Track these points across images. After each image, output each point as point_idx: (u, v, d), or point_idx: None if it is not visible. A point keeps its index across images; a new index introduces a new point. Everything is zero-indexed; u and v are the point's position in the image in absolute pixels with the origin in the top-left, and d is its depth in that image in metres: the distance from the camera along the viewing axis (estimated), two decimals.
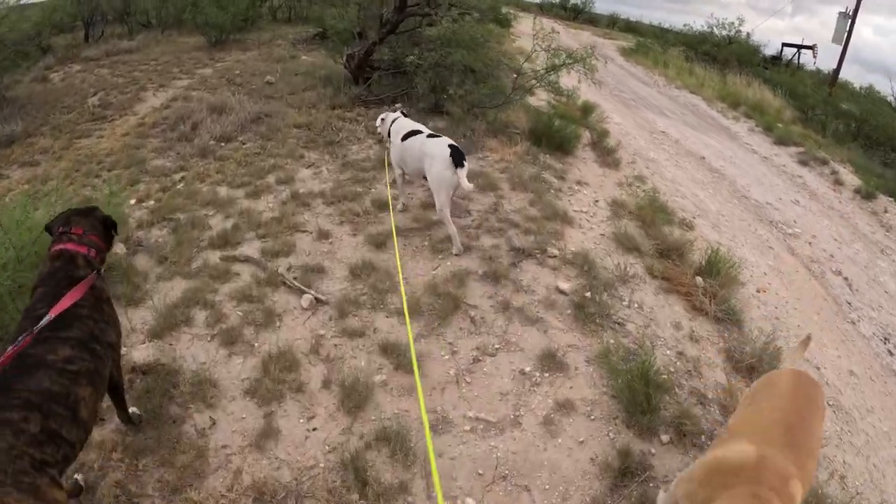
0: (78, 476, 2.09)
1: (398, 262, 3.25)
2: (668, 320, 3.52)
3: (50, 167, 5.68)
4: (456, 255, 3.57)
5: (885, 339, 5.14)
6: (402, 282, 3.04)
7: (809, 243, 6.70)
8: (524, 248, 3.58)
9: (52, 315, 1.64)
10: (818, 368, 4.12)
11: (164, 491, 2.06)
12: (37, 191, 4.86)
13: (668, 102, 12.44)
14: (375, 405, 2.45)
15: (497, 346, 2.85)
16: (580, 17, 26.44)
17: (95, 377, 1.69)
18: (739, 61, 16.56)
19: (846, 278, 6.30)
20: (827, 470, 2.87)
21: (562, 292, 3.31)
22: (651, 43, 18.71)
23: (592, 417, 2.66)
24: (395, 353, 2.68)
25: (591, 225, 4.25)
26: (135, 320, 2.89)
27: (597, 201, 4.73)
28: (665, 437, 2.66)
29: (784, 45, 18.56)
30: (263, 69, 8.70)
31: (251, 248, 3.55)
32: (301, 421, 2.38)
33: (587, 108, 7.38)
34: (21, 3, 11.67)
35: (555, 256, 3.62)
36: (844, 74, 16.82)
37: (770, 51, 18.42)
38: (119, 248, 3.51)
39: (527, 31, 12.61)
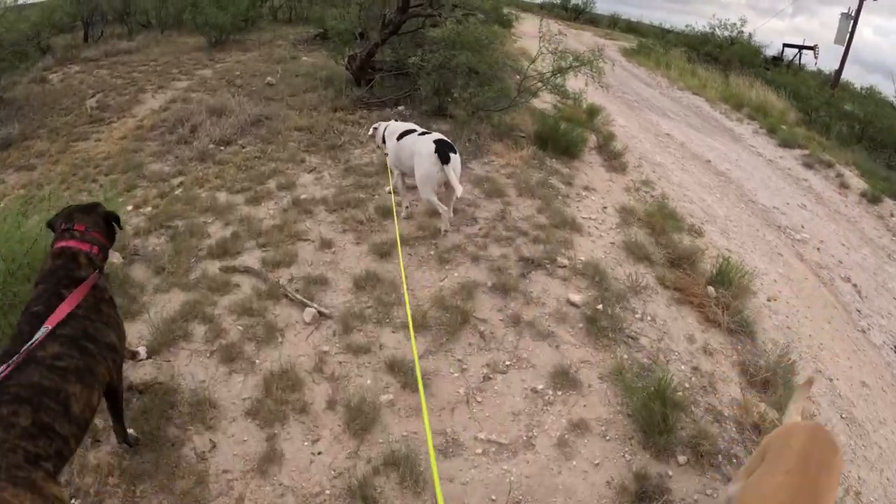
0: (74, 502, 1.99)
1: (403, 274, 3.14)
2: (682, 333, 3.42)
3: (46, 171, 5.57)
4: (445, 232, 3.70)
5: None
6: (406, 295, 2.93)
7: (818, 249, 6.61)
8: (533, 258, 3.48)
9: (48, 327, 1.60)
10: (831, 380, 4.03)
11: None
12: (32, 196, 4.75)
13: (671, 104, 12.34)
14: (383, 427, 2.35)
15: (508, 362, 2.75)
16: (581, 17, 26.33)
17: (86, 374, 1.65)
18: (742, 62, 16.47)
19: (855, 285, 6.22)
20: (842, 486, 2.78)
21: (573, 304, 3.21)
22: (653, 44, 18.61)
23: (608, 438, 2.56)
24: (402, 371, 2.58)
25: (601, 233, 4.14)
26: (131, 335, 2.78)
27: (605, 207, 4.63)
28: (682, 459, 2.56)
29: (785, 45, 18.49)
30: (264, 70, 8.59)
31: (251, 258, 3.44)
32: (305, 444, 2.27)
33: (592, 111, 7.28)
34: (19, 3, 11.56)
35: (565, 266, 3.52)
36: (845, 75, 16.79)
37: (771, 51, 18.35)
38: (115, 258, 3.40)
39: (528, 31, 12.57)
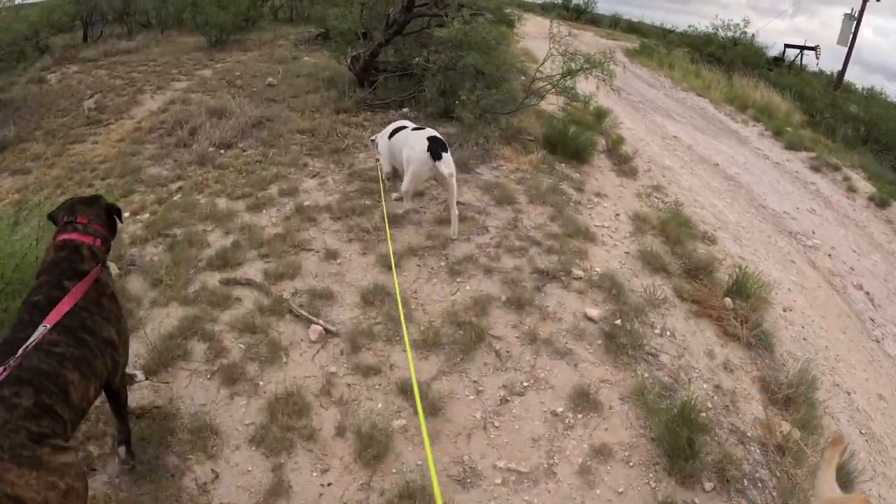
0: None
1: (395, 276, 3.01)
2: (702, 348, 3.30)
3: (41, 175, 5.42)
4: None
5: None
6: (399, 303, 2.79)
7: (829, 255, 6.50)
8: (548, 270, 3.34)
9: (47, 325, 1.57)
10: (849, 393, 3.92)
11: None
12: (26, 201, 4.60)
13: (676, 105, 12.22)
14: (396, 455, 2.21)
15: (525, 383, 2.61)
16: (582, 17, 26.16)
17: (83, 364, 1.64)
18: (745, 63, 16.33)
19: (867, 293, 6.11)
20: None
21: (590, 319, 3.07)
22: (656, 44, 18.46)
23: (631, 464, 2.43)
24: (414, 394, 2.43)
25: (615, 242, 4.01)
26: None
27: (618, 215, 4.49)
28: (708, 485, 2.44)
29: (787, 45, 18.36)
30: (265, 70, 8.44)
31: (253, 270, 3.29)
32: (314, 474, 2.13)
33: (600, 113, 7.13)
34: (17, 2, 11.42)
35: (580, 278, 3.38)
36: (846, 75, 16.68)
37: (772, 52, 18.20)
38: (112, 269, 3.25)
39: (531, 31, 12.40)
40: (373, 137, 4.34)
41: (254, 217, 3.97)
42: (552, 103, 7.46)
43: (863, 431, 3.63)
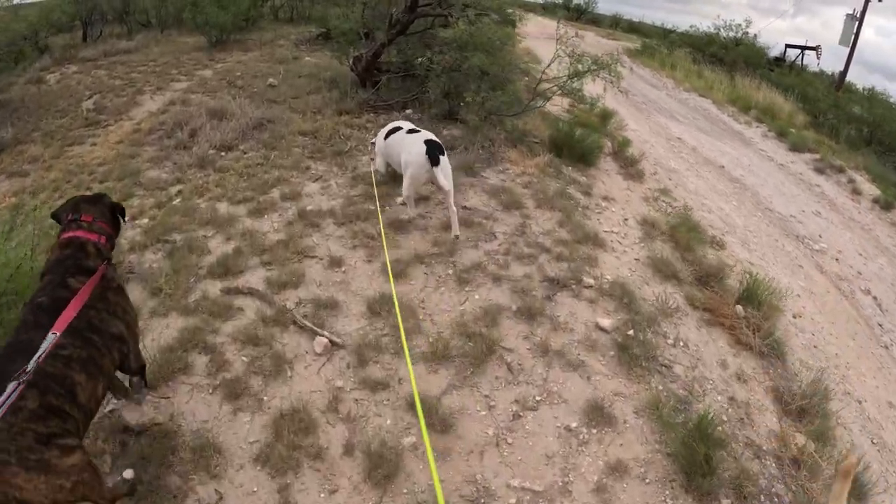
0: None
1: (391, 280, 2.92)
2: (714, 358, 3.23)
3: (39, 178, 5.32)
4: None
5: None
6: (398, 310, 2.70)
7: (836, 259, 6.43)
8: (558, 278, 3.26)
9: (56, 333, 1.54)
10: (860, 402, 3.85)
11: None
12: (23, 205, 4.50)
13: (679, 106, 12.14)
14: (407, 475, 2.13)
15: (538, 397, 2.53)
16: (583, 17, 26.07)
17: (89, 365, 1.64)
18: (747, 63, 16.26)
19: (875, 297, 6.04)
20: None
21: (602, 330, 2.99)
22: (657, 44, 18.37)
23: (647, 481, 2.36)
24: (424, 409, 2.34)
25: (624, 248, 3.93)
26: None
27: (626, 220, 4.42)
28: (726, 502, 2.38)
29: (787, 46, 18.28)
30: (265, 71, 8.34)
31: (255, 278, 3.20)
32: (322, 496, 2.04)
33: (605, 115, 7.04)
34: (15, 2, 11.31)
35: (591, 287, 3.30)
36: (847, 76, 16.61)
37: (773, 52, 18.12)
38: None
39: (532, 31, 12.30)
40: (373, 140, 4.34)
41: (255, 222, 3.89)
42: (556, 105, 7.37)
43: (874, 441, 3.57)
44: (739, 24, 17.30)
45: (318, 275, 3.23)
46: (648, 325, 3.11)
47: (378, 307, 2.92)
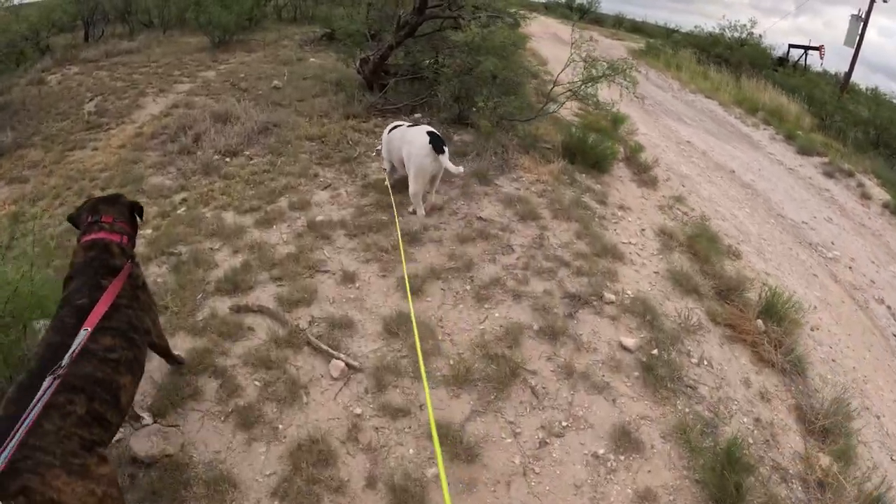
0: None
1: (409, 295, 2.80)
2: (738, 377, 3.13)
3: (39, 184, 5.19)
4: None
5: None
6: (415, 329, 2.59)
7: (850, 268, 6.33)
8: (579, 295, 3.15)
9: (88, 329, 1.57)
10: (878, 417, 3.76)
11: None
12: (23, 213, 4.39)
13: (686, 108, 12.02)
14: None
15: (564, 423, 2.42)
16: (586, 16, 25.87)
17: (134, 365, 1.71)
18: (752, 64, 16.13)
19: (889, 307, 5.95)
20: None
21: (626, 349, 2.89)
22: (661, 44, 18.23)
23: None
24: (448, 437, 2.24)
25: (643, 260, 3.82)
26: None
27: (643, 230, 4.31)
28: None
29: (791, 46, 18.14)
30: (269, 72, 8.21)
31: (265, 295, 3.08)
32: None
33: (616, 119, 6.92)
34: (16, 3, 11.16)
35: (612, 303, 3.19)
36: (852, 77, 16.47)
37: (776, 52, 17.98)
38: None
39: (536, 31, 12.15)
40: (378, 147, 4.34)
41: (263, 234, 3.77)
42: (565, 108, 7.25)
43: (894, 458, 3.48)
44: (744, 25, 17.20)
45: (331, 291, 3.12)
46: (672, 344, 3.01)
47: (395, 326, 2.81)
